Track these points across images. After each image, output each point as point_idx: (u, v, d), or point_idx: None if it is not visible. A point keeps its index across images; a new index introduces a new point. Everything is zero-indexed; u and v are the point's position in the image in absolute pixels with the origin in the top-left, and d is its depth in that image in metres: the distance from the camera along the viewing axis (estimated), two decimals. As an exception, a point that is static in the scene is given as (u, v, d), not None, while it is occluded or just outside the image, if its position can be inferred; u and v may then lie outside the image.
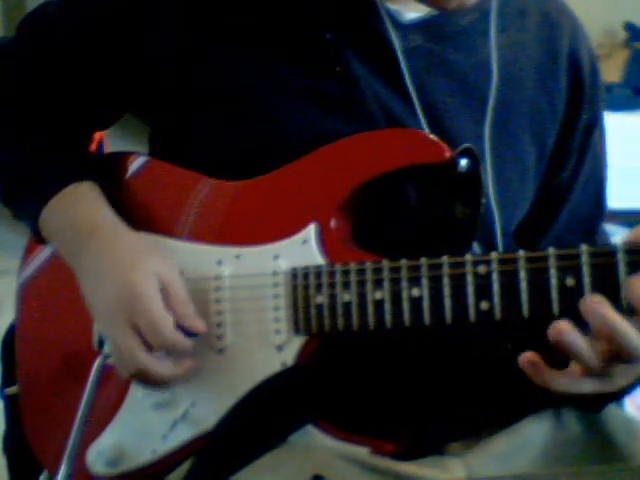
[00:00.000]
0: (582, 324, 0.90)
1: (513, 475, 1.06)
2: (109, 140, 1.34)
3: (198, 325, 1.03)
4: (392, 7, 1.08)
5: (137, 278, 1.02)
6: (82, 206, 1.10)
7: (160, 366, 1.02)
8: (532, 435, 1.10)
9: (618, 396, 1.04)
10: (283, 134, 1.07)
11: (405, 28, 1.08)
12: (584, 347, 0.89)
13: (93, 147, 1.28)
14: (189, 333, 1.02)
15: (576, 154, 1.17)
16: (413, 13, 1.09)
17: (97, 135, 1.27)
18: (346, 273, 0.99)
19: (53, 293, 1.19)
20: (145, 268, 1.03)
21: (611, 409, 1.12)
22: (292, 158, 1.05)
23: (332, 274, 0.99)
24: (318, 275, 1.00)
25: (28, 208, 1.14)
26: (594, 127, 1.18)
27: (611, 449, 1.10)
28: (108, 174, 1.15)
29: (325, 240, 1.02)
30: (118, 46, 1.12)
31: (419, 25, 1.09)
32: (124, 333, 1.01)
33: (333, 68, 1.07)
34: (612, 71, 2.71)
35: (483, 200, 1.02)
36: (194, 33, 1.09)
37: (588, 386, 0.92)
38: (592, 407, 1.11)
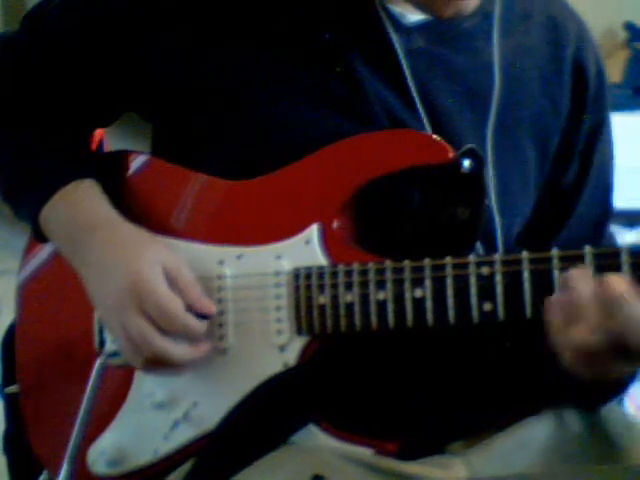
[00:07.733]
0: None
1: (514, 474, 1.07)
2: (109, 139, 1.34)
3: (208, 306, 1.03)
4: (396, 9, 1.08)
5: (141, 266, 1.02)
6: (83, 203, 1.10)
7: (176, 348, 1.01)
8: (533, 434, 1.10)
9: (613, 391, 1.05)
10: (284, 134, 1.07)
11: (408, 30, 1.08)
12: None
13: (93, 146, 1.27)
14: (199, 316, 1.02)
15: (580, 157, 1.17)
16: (416, 16, 1.09)
17: (97, 134, 1.27)
18: (349, 274, 0.99)
19: (53, 292, 1.18)
20: (148, 256, 1.03)
21: (611, 409, 1.13)
22: (294, 158, 1.05)
23: (335, 275, 0.99)
24: (321, 275, 1.00)
25: (29, 205, 1.13)
26: (599, 130, 1.18)
27: (611, 449, 1.10)
28: (109, 172, 1.15)
29: (328, 240, 1.02)
30: (119, 45, 1.12)
31: (422, 27, 1.09)
32: (135, 320, 1.01)
33: (333, 68, 1.06)
34: (612, 71, 2.70)
35: (486, 201, 1.02)
36: (195, 33, 1.09)
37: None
38: (589, 403, 1.11)
